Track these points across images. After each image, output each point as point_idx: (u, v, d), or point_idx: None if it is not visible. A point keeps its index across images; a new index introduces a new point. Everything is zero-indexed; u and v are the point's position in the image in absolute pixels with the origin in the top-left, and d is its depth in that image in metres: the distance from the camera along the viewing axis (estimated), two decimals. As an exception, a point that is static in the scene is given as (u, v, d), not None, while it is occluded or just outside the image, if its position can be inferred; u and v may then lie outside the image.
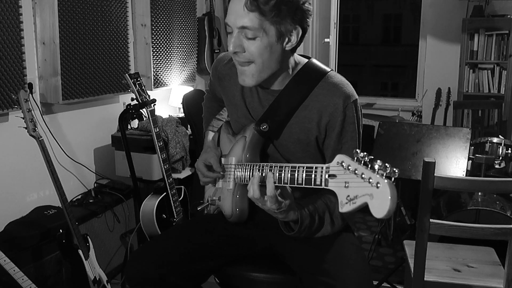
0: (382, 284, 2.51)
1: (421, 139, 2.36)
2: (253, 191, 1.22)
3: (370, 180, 0.88)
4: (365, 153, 0.94)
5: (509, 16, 3.96)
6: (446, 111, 4.16)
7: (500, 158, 2.67)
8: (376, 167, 0.90)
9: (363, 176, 0.91)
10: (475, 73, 4.10)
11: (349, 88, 1.39)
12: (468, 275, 1.86)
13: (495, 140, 2.75)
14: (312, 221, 1.32)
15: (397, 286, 2.52)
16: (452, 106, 4.01)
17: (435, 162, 1.58)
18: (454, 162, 2.27)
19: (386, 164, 0.89)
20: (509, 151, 2.68)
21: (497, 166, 2.68)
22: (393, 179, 0.88)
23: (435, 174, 1.59)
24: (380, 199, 0.86)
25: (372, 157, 0.92)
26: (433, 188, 1.60)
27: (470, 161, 2.54)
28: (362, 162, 0.93)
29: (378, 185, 0.87)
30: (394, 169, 0.89)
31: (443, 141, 2.32)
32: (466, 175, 2.26)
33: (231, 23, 1.28)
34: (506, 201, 2.53)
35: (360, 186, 0.91)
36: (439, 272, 1.87)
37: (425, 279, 1.72)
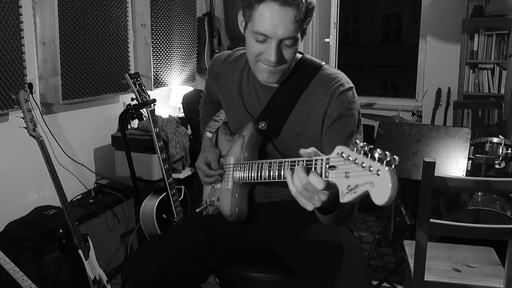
0: (382, 284, 2.51)
1: (421, 139, 2.35)
2: (317, 182, 1.00)
3: (371, 168, 0.88)
4: (364, 143, 0.93)
5: (509, 16, 3.96)
6: (446, 111, 4.16)
7: (500, 158, 2.67)
8: (376, 155, 0.88)
9: (363, 165, 0.90)
10: (475, 73, 4.10)
11: (344, 77, 1.40)
12: (468, 275, 1.86)
13: (495, 140, 2.75)
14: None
15: (397, 286, 2.52)
16: (452, 106, 4.01)
17: (435, 162, 1.58)
18: (454, 162, 2.26)
19: (386, 152, 0.88)
20: (509, 151, 2.68)
21: (497, 166, 2.68)
22: (393, 166, 0.87)
23: (435, 174, 1.59)
24: (381, 187, 0.85)
25: (372, 146, 0.92)
26: (433, 188, 1.60)
27: (470, 161, 2.54)
28: (362, 152, 0.92)
29: (379, 172, 0.86)
30: (395, 156, 0.88)
31: (443, 141, 2.32)
32: (466, 175, 2.26)
33: (276, 34, 1.25)
34: (506, 201, 2.53)
35: (361, 175, 0.90)
36: (439, 272, 1.87)
37: (425, 279, 1.72)
